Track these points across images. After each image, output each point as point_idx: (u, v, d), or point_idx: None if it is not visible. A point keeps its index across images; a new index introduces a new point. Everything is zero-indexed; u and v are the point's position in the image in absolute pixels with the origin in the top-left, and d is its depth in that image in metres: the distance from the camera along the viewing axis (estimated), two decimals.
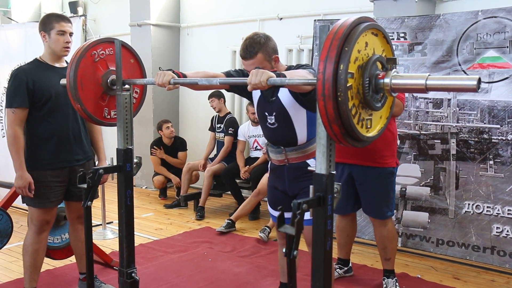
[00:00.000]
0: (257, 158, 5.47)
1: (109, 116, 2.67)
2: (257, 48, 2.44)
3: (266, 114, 2.60)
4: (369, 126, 1.71)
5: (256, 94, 2.64)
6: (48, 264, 3.72)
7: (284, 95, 2.50)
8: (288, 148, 2.58)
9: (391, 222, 3.40)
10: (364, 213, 3.52)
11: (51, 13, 3.07)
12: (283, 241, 2.86)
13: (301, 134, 2.55)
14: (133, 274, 2.58)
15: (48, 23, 2.94)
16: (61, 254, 3.57)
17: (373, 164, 3.25)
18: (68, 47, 2.97)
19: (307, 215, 2.47)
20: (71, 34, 2.98)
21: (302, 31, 5.61)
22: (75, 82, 2.51)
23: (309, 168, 1.90)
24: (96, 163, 3.23)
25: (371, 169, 3.27)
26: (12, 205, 3.45)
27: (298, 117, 2.52)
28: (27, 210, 3.07)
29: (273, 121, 2.58)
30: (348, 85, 1.55)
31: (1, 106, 5.28)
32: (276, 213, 2.70)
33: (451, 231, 4.04)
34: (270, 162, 2.76)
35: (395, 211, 3.60)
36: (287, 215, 2.45)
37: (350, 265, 3.72)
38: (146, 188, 6.84)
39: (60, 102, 2.94)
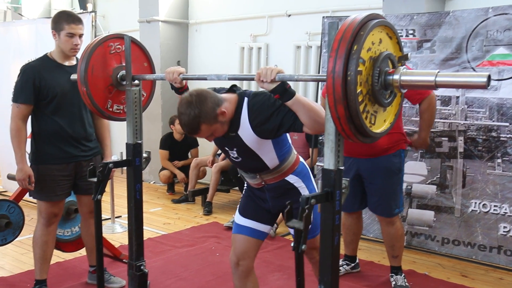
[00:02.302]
0: None
1: (111, 109, 2.69)
2: (196, 122, 2.10)
3: (227, 148, 2.35)
4: (372, 122, 1.71)
5: None
6: (58, 256, 3.77)
7: (244, 132, 2.21)
8: (262, 173, 2.36)
9: (399, 221, 3.39)
10: (371, 211, 3.51)
11: (62, 12, 3.05)
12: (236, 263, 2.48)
13: (271, 161, 2.32)
14: (142, 267, 2.62)
15: (58, 23, 2.93)
16: (71, 246, 3.62)
17: (379, 155, 3.23)
18: (77, 49, 2.98)
19: None
20: (81, 35, 2.97)
21: (310, 27, 5.62)
22: (87, 65, 2.55)
23: (303, 195, 1.77)
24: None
25: (377, 160, 3.23)
26: (24, 198, 3.50)
27: (264, 149, 2.27)
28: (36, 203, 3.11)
29: (235, 155, 2.33)
30: (358, 69, 1.56)
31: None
32: (242, 221, 2.48)
33: (457, 230, 4.04)
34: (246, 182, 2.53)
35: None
36: (248, 223, 2.47)
37: (357, 261, 3.73)
38: (154, 183, 6.88)
39: (66, 101, 2.97)
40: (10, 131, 2.96)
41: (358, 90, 1.58)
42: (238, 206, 2.57)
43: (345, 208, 3.50)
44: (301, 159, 2.47)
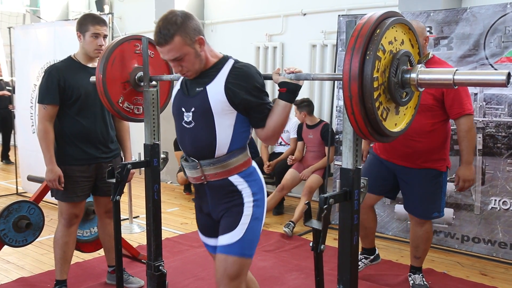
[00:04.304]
0: (281, 153, 5.49)
1: (121, 105, 2.71)
2: (173, 30, 1.96)
3: (183, 110, 2.11)
4: (384, 117, 1.66)
5: (176, 87, 2.23)
6: (78, 256, 3.81)
7: (214, 88, 2.04)
8: (204, 162, 2.09)
9: (430, 223, 3.24)
10: (407, 211, 3.34)
11: (88, 14, 3.10)
12: None
13: (222, 141, 2.05)
14: (160, 267, 2.63)
15: (84, 24, 2.98)
16: (90, 247, 3.66)
17: (419, 166, 3.10)
18: (101, 50, 3.00)
19: (227, 239, 2.09)
20: (105, 36, 3.02)
21: (326, 26, 5.61)
22: (110, 55, 2.61)
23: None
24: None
25: (417, 171, 3.11)
26: (43, 199, 3.54)
27: (224, 119, 2.04)
28: (57, 204, 3.15)
29: (189, 119, 2.09)
30: (378, 54, 1.56)
31: (32, 103, 5.41)
32: (207, 240, 2.28)
33: (476, 228, 4.00)
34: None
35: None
36: (212, 241, 2.22)
37: (377, 252, 3.59)
38: (171, 183, 6.93)
39: (89, 102, 3.01)
40: (38, 133, 3.00)
41: (375, 75, 1.56)
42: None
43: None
44: (254, 164, 2.20)
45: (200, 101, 2.05)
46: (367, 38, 1.54)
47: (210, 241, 2.26)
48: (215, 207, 2.15)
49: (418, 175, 3.12)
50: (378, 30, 1.56)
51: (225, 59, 2.10)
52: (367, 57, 1.54)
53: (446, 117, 3.07)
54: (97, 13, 7.13)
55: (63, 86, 2.95)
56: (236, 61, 2.10)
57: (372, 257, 3.59)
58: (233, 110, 2.03)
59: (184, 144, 2.17)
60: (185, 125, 2.11)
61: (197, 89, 2.07)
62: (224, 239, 2.08)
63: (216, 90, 2.02)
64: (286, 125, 2.07)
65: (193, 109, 2.07)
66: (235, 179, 2.10)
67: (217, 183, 2.11)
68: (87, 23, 2.98)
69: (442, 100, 2.99)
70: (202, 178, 2.12)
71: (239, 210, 2.09)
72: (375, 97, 1.58)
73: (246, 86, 2.01)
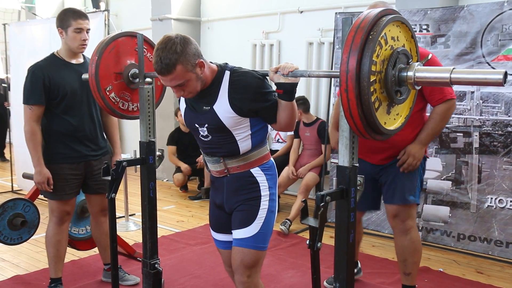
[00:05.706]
0: (278, 150, 5.49)
1: (108, 94, 2.67)
2: (174, 59, 1.94)
3: (197, 126, 2.17)
4: (376, 106, 1.63)
5: (182, 104, 2.25)
6: (73, 254, 3.80)
7: (221, 107, 2.08)
8: (228, 159, 2.17)
9: (415, 231, 2.93)
10: (386, 203, 3.10)
11: (68, 9, 3.03)
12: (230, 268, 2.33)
13: (244, 144, 2.14)
14: (156, 265, 2.63)
15: (65, 19, 2.92)
16: (85, 245, 3.65)
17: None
18: (85, 44, 2.97)
19: (243, 233, 2.17)
20: (88, 30, 2.96)
21: (322, 24, 5.59)
22: (111, 42, 2.63)
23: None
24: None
25: (397, 161, 2.87)
26: (39, 197, 3.53)
27: (239, 128, 2.11)
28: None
29: (205, 133, 2.15)
30: (380, 40, 1.56)
31: None
32: (218, 236, 2.35)
33: (472, 226, 4.00)
34: (210, 173, 2.33)
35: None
36: (223, 237, 2.31)
37: (359, 266, 3.50)
38: (167, 181, 6.91)
39: (76, 100, 2.97)
40: (25, 134, 2.93)
41: (374, 59, 1.56)
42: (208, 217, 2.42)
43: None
44: (272, 158, 2.28)
45: (211, 119, 2.11)
46: (373, 21, 1.56)
47: (221, 237, 2.34)
48: (230, 198, 2.21)
49: (395, 163, 2.90)
50: (384, 18, 1.58)
51: (221, 72, 2.13)
52: (370, 37, 1.54)
53: (422, 106, 2.85)
54: (93, 10, 7.12)
55: (48, 85, 2.89)
56: (231, 71, 2.12)
57: (355, 270, 3.26)
58: (245, 118, 2.10)
59: (207, 150, 2.23)
60: (203, 138, 2.19)
61: (204, 107, 2.13)
62: (241, 233, 2.15)
63: (223, 108, 2.08)
64: (297, 114, 2.12)
65: (206, 125, 2.14)
66: (256, 171, 2.18)
67: (238, 174, 2.18)
68: (68, 18, 2.91)
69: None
70: (225, 171, 2.20)
71: (256, 204, 2.16)
72: (370, 80, 1.57)
73: (249, 97, 2.05)
